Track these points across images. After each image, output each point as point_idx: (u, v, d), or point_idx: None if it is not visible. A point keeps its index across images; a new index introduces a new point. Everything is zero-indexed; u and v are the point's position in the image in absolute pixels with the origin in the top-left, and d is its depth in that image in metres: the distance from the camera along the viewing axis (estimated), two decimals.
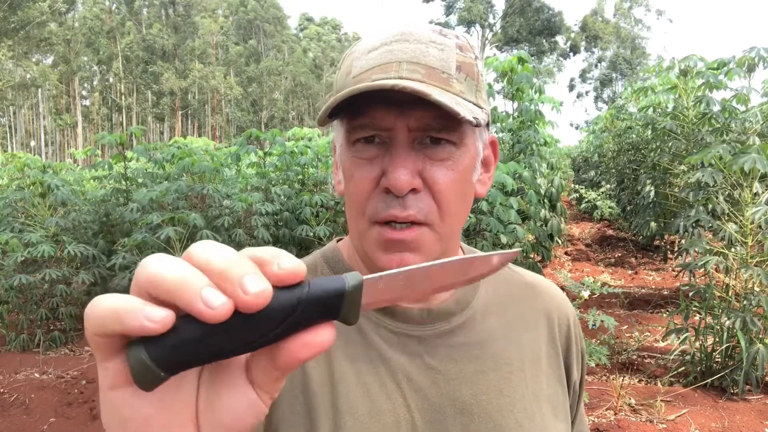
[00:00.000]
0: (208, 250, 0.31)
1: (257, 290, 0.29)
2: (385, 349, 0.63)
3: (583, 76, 50.69)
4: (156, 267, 0.30)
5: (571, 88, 51.82)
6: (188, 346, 0.30)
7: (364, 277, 0.34)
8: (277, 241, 5.46)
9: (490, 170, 0.68)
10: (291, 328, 0.31)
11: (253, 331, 0.30)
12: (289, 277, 0.31)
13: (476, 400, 0.62)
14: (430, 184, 0.58)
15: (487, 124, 0.65)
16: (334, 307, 0.33)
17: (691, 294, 3.82)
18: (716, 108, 4.79)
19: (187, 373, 0.33)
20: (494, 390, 0.64)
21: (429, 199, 0.59)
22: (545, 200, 5.41)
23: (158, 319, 0.29)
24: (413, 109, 0.56)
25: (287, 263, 0.31)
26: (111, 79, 47.65)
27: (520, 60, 5.04)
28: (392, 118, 0.57)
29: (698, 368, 3.69)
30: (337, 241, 0.73)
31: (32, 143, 45.05)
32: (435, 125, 0.57)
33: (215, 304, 0.28)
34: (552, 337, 0.72)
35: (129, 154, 5.67)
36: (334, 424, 0.59)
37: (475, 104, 0.59)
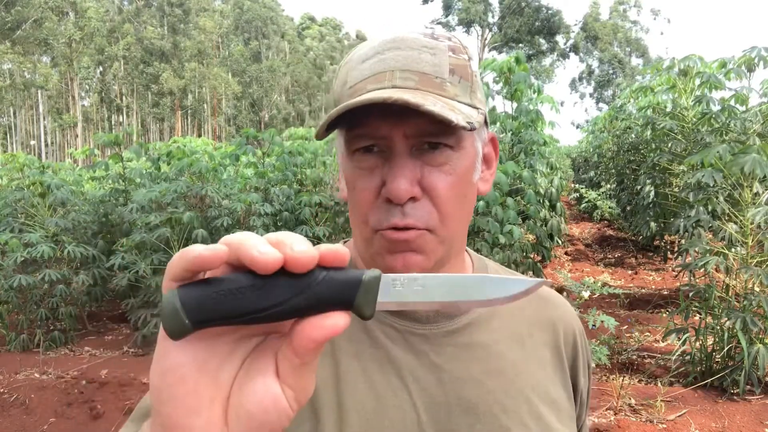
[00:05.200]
0: (277, 233, 0.36)
1: (301, 249, 0.33)
2: (391, 347, 0.63)
3: (582, 76, 50.70)
4: (231, 235, 0.34)
5: (573, 87, 51.81)
6: (216, 299, 0.32)
7: (385, 274, 0.36)
8: None
9: (492, 167, 0.69)
10: (308, 304, 0.34)
11: (275, 295, 0.33)
12: (334, 256, 0.34)
13: (481, 399, 0.63)
14: (429, 191, 0.59)
15: (486, 122, 0.66)
16: (349, 294, 0.35)
17: (691, 294, 3.81)
18: (716, 108, 4.78)
19: (233, 352, 0.36)
20: (500, 390, 0.64)
21: (429, 205, 0.59)
22: (545, 200, 5.41)
23: (212, 247, 0.32)
24: (408, 117, 0.56)
25: (331, 245, 0.35)
26: (111, 80, 47.65)
27: (517, 60, 5.05)
28: (389, 127, 0.58)
29: (698, 368, 3.69)
30: (343, 242, 0.74)
31: (32, 143, 45.05)
32: (431, 131, 0.58)
33: (265, 250, 0.32)
34: (557, 345, 0.72)
35: (126, 154, 5.66)
36: (339, 420, 0.59)
37: (470, 105, 0.60)
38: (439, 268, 0.64)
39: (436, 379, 0.62)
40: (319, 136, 0.60)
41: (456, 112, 0.56)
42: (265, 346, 0.37)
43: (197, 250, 0.32)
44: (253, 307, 0.33)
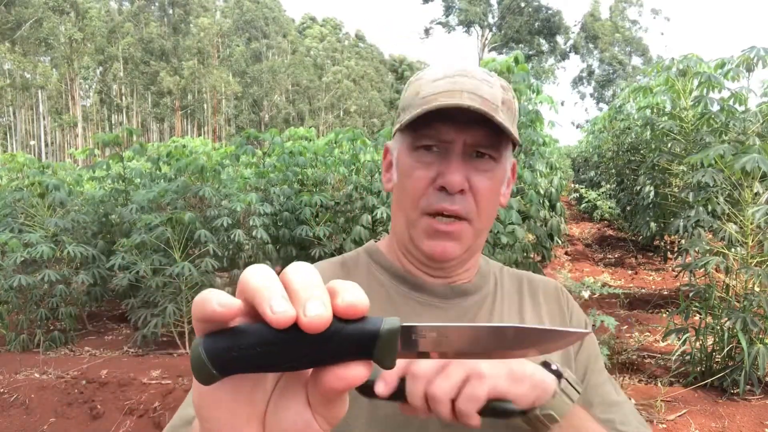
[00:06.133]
0: (297, 270, 0.36)
1: (313, 314, 0.33)
2: (413, 318, 0.75)
3: (582, 76, 50.65)
4: (251, 273, 0.36)
5: (574, 87, 51.79)
6: (239, 350, 0.34)
7: (404, 323, 0.36)
8: (276, 242, 5.45)
9: (509, 187, 0.85)
10: (327, 357, 0.34)
11: (292, 351, 0.34)
12: (348, 310, 0.34)
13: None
14: (473, 189, 0.74)
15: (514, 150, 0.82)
16: (366, 347, 0.35)
17: (691, 294, 3.81)
18: (715, 107, 4.77)
19: (266, 379, 0.38)
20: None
21: (471, 200, 0.74)
22: (545, 200, 5.41)
23: (226, 303, 0.34)
24: (470, 127, 0.72)
25: (349, 297, 0.35)
26: (110, 80, 47.64)
27: (516, 60, 5.05)
28: (453, 134, 0.73)
29: (698, 368, 3.69)
30: (375, 240, 0.89)
31: (32, 143, 45.04)
32: (485, 143, 0.74)
33: (277, 310, 0.33)
34: (550, 310, 0.87)
35: (126, 154, 5.66)
36: (370, 415, 0.68)
37: (512, 132, 0.75)
38: (467, 258, 0.80)
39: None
40: (399, 130, 0.78)
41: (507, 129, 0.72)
42: (296, 375, 0.39)
43: (212, 305, 0.34)
44: (270, 361, 0.34)
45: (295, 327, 0.33)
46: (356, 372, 0.35)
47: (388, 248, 0.85)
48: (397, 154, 0.79)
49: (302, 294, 0.34)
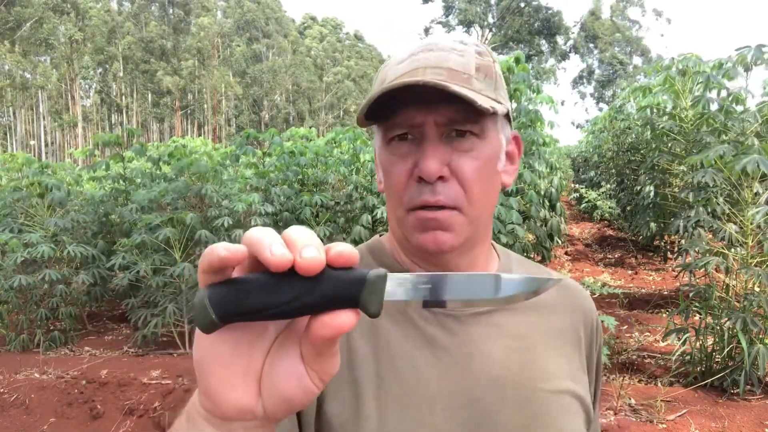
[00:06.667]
0: (294, 228, 0.39)
1: (308, 256, 0.36)
2: (425, 325, 0.70)
3: (582, 76, 50.64)
4: (253, 229, 0.39)
5: (574, 87, 51.77)
6: (237, 297, 0.36)
7: (391, 273, 0.39)
8: None
9: (515, 163, 0.76)
10: (318, 301, 0.37)
11: (286, 293, 0.36)
12: (338, 258, 0.37)
13: (508, 371, 0.69)
14: (457, 173, 0.66)
15: (509, 121, 0.73)
16: (354, 292, 0.37)
17: (691, 294, 3.81)
18: (714, 107, 4.77)
19: (263, 334, 0.41)
20: (525, 366, 0.70)
21: (456, 186, 0.66)
22: (545, 200, 5.41)
23: (232, 248, 0.36)
24: (438, 106, 0.64)
25: (340, 247, 0.38)
26: (110, 80, 47.64)
27: (517, 60, 5.06)
28: (421, 116, 0.65)
29: (698, 368, 3.69)
30: (380, 236, 0.83)
31: (32, 143, 45.03)
32: (459, 118, 0.65)
33: (276, 253, 0.36)
34: (577, 329, 0.79)
35: (127, 154, 5.66)
36: (378, 390, 0.65)
37: (494, 100, 0.67)
38: (469, 249, 0.72)
39: (466, 355, 0.68)
40: (360, 123, 0.69)
41: (480, 99, 0.62)
42: (292, 330, 0.42)
43: (220, 251, 0.36)
44: (267, 303, 0.36)
45: (291, 271, 0.36)
46: (343, 319, 0.37)
47: (390, 243, 0.80)
48: (378, 151, 0.73)
49: (299, 243, 0.37)
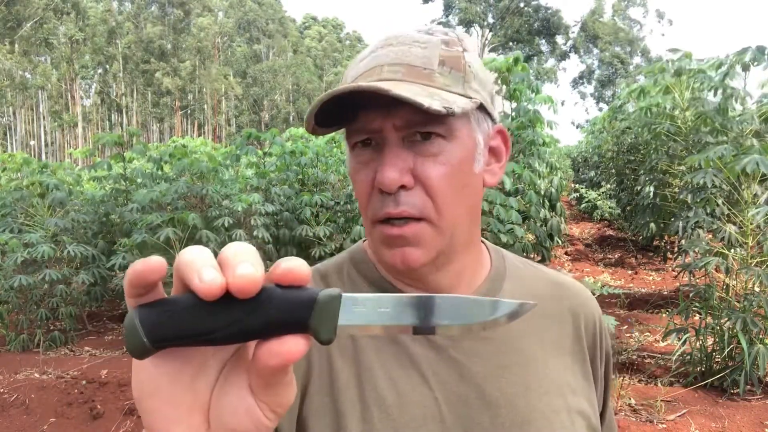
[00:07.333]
0: (231, 245, 0.34)
1: (244, 273, 0.31)
2: (410, 344, 0.64)
3: (582, 76, 50.64)
4: (184, 251, 0.34)
5: (574, 87, 51.76)
6: (169, 319, 0.32)
7: (345, 294, 0.34)
8: (277, 241, 5.46)
9: (502, 160, 0.69)
10: (261, 325, 0.32)
11: (224, 316, 0.32)
12: (285, 276, 0.33)
13: (502, 393, 0.63)
14: (422, 180, 0.59)
15: (490, 114, 0.65)
16: (302, 315, 0.33)
17: (691, 294, 3.81)
18: (710, 107, 4.77)
19: (206, 363, 0.36)
20: (520, 384, 0.64)
21: (422, 194, 0.60)
22: (545, 200, 5.41)
23: (149, 260, 0.32)
24: (397, 108, 0.57)
25: (289, 263, 0.33)
26: (110, 80, 47.64)
27: (516, 60, 5.06)
28: (380, 120, 0.59)
29: (698, 369, 3.69)
30: (363, 241, 0.76)
31: (32, 143, 45.03)
32: (418, 120, 0.58)
33: (206, 279, 0.31)
34: (578, 335, 0.72)
35: (128, 154, 5.66)
36: (362, 416, 0.60)
37: (461, 95, 0.60)
38: (445, 263, 0.65)
39: (456, 374, 0.63)
40: (308, 129, 0.61)
41: (435, 99, 0.56)
42: (240, 358, 0.37)
43: (136, 266, 0.33)
44: (202, 327, 0.32)
45: (227, 295, 0.32)
46: (290, 346, 0.32)
47: (372, 253, 0.73)
48: (347, 157, 0.67)
49: (232, 261, 0.32)
